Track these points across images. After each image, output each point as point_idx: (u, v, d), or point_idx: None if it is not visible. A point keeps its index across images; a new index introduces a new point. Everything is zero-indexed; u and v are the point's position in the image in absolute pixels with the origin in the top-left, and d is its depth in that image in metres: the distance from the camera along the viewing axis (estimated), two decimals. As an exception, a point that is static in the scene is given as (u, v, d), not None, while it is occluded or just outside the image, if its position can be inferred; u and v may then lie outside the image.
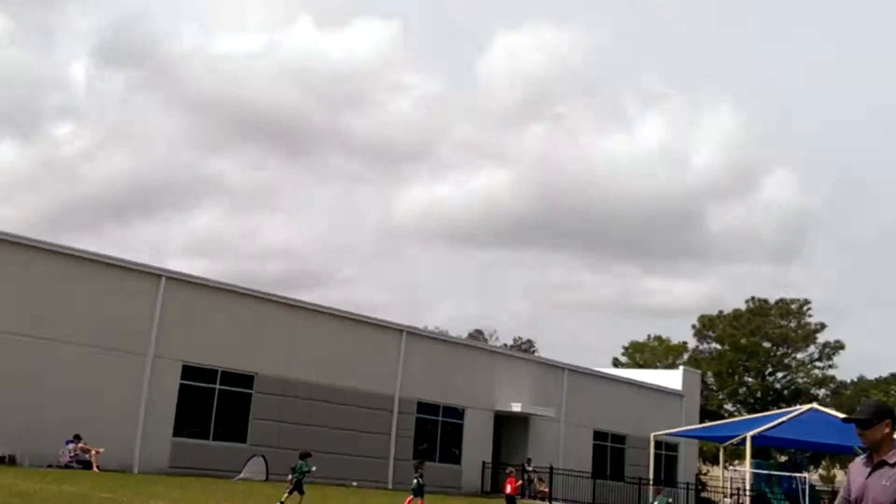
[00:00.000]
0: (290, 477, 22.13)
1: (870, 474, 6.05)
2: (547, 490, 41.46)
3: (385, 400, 39.17)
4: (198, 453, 32.08)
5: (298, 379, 35.89)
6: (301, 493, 21.52)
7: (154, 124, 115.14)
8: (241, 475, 32.19)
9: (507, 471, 32.34)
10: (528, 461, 43.00)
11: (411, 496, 25.10)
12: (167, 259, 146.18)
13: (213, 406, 33.27)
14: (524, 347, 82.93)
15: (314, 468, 22.41)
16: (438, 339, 46.40)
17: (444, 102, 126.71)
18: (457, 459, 42.48)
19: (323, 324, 37.40)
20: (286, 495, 21.47)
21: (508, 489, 29.84)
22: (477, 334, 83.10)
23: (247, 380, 34.40)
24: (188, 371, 32.45)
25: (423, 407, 40.95)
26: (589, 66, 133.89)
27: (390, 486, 38.21)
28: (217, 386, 33.39)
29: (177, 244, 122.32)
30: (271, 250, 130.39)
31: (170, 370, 31.73)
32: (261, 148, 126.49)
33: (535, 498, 41.05)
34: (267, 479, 32.60)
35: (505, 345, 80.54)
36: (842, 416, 49.29)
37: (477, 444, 43.20)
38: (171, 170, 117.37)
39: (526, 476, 41.49)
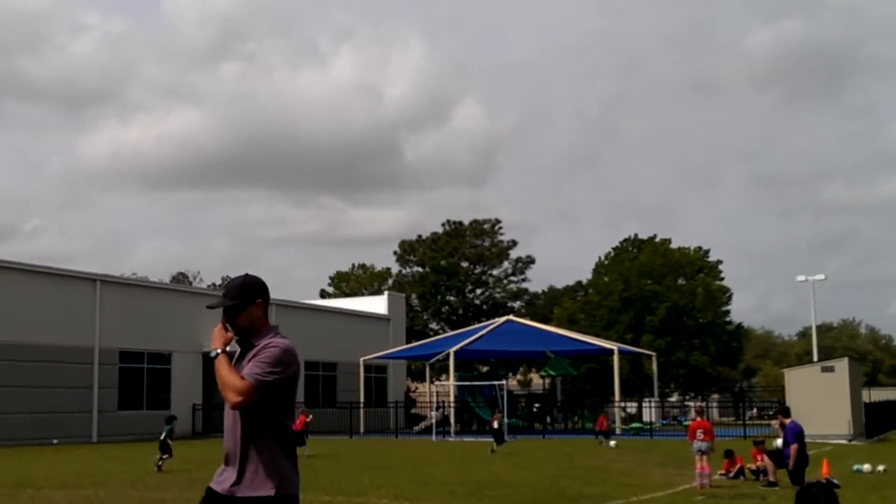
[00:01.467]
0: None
1: (238, 363, 4.68)
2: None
3: (84, 353, 37.53)
4: None
5: (-17, 339, 33.60)
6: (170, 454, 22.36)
7: None
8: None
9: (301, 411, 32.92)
10: None
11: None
12: None
13: None
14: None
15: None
16: (138, 286, 44.87)
17: (129, 42, 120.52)
18: (166, 405, 41.55)
19: (5, 279, 35.03)
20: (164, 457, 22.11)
21: None
22: (181, 277, 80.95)
23: (-77, 346, 31.74)
24: None
25: (125, 356, 39.63)
26: (278, 2, 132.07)
27: (94, 440, 36.89)
28: None
29: None
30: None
31: None
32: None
33: None
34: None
35: (212, 285, 79.15)
36: (534, 324, 52.55)
37: (186, 387, 42.47)
38: None
39: None
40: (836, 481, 16.99)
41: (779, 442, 18.59)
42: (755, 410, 54.50)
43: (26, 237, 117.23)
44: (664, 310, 64.24)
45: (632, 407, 55.00)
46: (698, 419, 19.06)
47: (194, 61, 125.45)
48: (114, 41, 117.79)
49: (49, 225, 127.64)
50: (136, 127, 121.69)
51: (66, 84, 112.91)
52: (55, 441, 34.60)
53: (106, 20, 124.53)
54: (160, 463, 21.96)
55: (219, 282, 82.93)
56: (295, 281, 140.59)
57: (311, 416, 26.18)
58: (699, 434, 17.65)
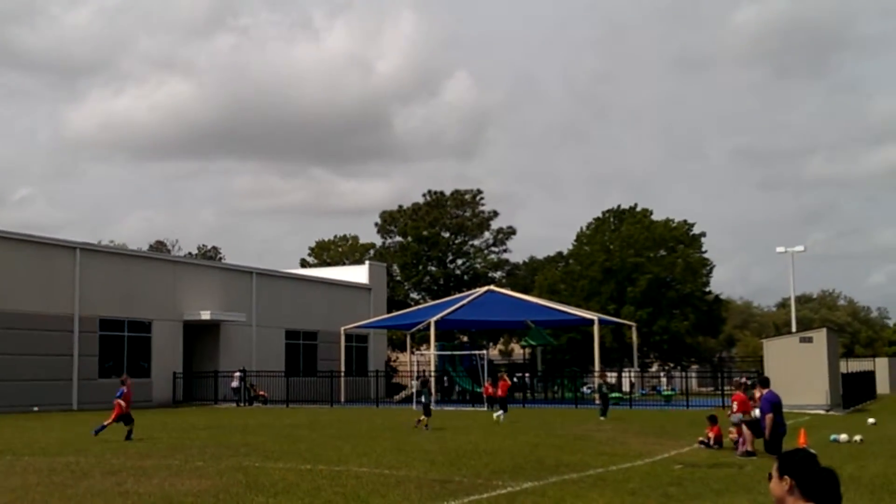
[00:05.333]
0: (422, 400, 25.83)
1: None
2: (266, 394, 42.06)
3: (63, 320, 37.37)
4: None
5: (-39, 307, 33.41)
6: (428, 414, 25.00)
7: None
8: None
9: (500, 374, 34.00)
10: (244, 370, 42.87)
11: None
12: None
13: None
14: (210, 255, 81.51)
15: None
16: (117, 254, 44.62)
17: (124, 14, 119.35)
18: (146, 373, 41.52)
19: (-15, 246, 34.80)
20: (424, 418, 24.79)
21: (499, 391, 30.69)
22: (159, 246, 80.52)
23: None
24: None
25: (105, 323, 39.48)
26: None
27: (75, 407, 36.84)
28: None
29: None
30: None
31: None
32: None
33: (252, 402, 41.49)
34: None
35: (189, 254, 78.83)
36: (515, 294, 52.81)
37: (166, 355, 42.42)
38: None
39: (242, 383, 41.98)
40: (812, 451, 17.21)
41: (757, 412, 18.78)
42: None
43: (14, 206, 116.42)
44: (645, 281, 64.48)
45: (612, 377, 55.32)
46: (736, 392, 19.81)
47: (188, 33, 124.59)
48: (109, 13, 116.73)
49: (37, 194, 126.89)
50: (127, 98, 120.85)
51: (58, 55, 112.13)
52: (35, 408, 34.55)
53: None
54: (420, 420, 24.66)
55: (195, 251, 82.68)
56: (280, 251, 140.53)
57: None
58: (734, 406, 18.67)
